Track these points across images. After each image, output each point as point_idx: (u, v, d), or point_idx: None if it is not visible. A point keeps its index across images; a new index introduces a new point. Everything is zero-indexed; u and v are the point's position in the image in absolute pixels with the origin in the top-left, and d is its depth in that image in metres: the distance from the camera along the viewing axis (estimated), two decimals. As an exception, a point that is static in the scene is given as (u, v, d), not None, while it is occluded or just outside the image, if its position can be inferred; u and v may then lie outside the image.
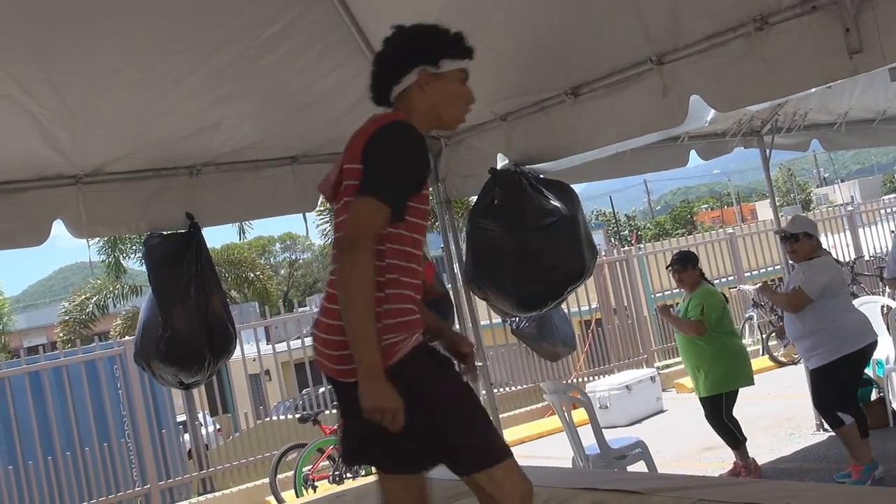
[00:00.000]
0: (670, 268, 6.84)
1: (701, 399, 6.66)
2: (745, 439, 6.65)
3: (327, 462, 9.10)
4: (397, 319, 2.68)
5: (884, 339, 7.76)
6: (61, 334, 27.43)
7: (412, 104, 2.87)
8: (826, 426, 7.45)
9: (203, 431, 12.28)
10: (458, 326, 6.74)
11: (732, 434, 6.57)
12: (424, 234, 2.86)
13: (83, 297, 28.82)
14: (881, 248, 15.87)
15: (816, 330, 5.76)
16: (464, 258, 5.66)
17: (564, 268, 5.21)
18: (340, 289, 2.59)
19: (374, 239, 2.60)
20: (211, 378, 5.84)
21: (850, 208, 17.60)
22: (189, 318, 5.28)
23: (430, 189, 2.82)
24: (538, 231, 5.11)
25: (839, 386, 5.91)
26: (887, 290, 11.26)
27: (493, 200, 5.28)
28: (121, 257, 25.71)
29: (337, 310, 2.65)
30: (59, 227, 5.11)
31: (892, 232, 14.59)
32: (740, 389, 6.61)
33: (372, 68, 2.98)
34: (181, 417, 12.20)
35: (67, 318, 28.54)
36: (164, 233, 5.48)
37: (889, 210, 16.90)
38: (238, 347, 10.62)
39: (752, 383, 6.73)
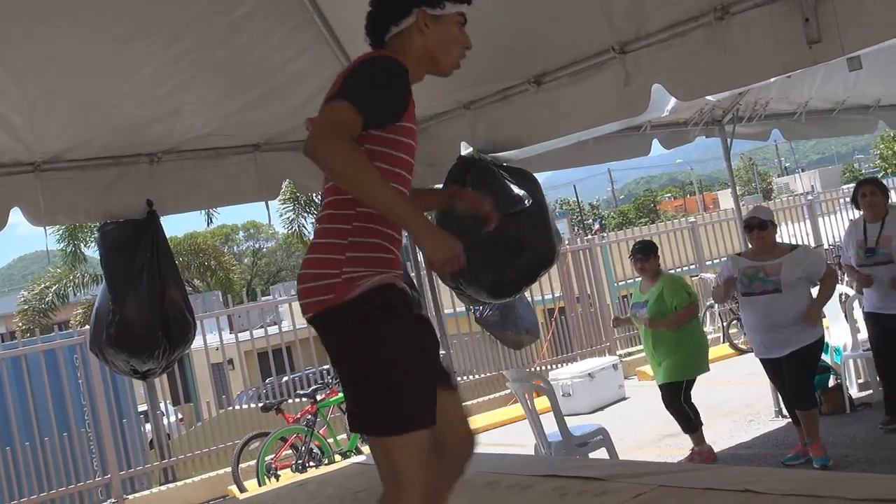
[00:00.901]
0: (633, 256, 6.87)
1: (660, 385, 6.72)
2: (702, 424, 6.72)
3: (290, 451, 9.07)
4: (362, 254, 2.64)
5: (841, 326, 7.88)
6: (20, 324, 27.10)
7: (408, 46, 2.80)
8: (784, 412, 7.57)
9: (165, 421, 12.18)
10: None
11: (689, 419, 6.64)
12: (409, 165, 2.76)
13: (42, 285, 28.48)
14: (840, 238, 16.05)
15: (801, 318, 5.87)
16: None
17: (539, 252, 5.31)
18: (344, 182, 2.53)
19: (345, 135, 2.48)
20: (169, 368, 5.76)
21: (810, 198, 17.79)
22: (141, 304, 5.22)
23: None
24: (512, 216, 5.16)
25: (816, 366, 6.20)
26: (845, 278, 11.44)
27: (466, 186, 5.27)
28: (81, 245, 25.46)
29: (317, 245, 2.69)
30: (16, 215, 5.05)
31: (850, 221, 14.76)
32: (700, 376, 6.69)
33: (370, 8, 2.88)
34: (142, 407, 12.08)
35: (27, 307, 28.20)
36: (121, 220, 5.42)
37: (848, 199, 17.08)
38: (200, 336, 10.60)
39: (708, 370, 6.83)
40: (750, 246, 6.24)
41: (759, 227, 6.02)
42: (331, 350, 2.72)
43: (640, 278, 7.04)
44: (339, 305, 2.60)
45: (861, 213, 6.54)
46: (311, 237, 2.81)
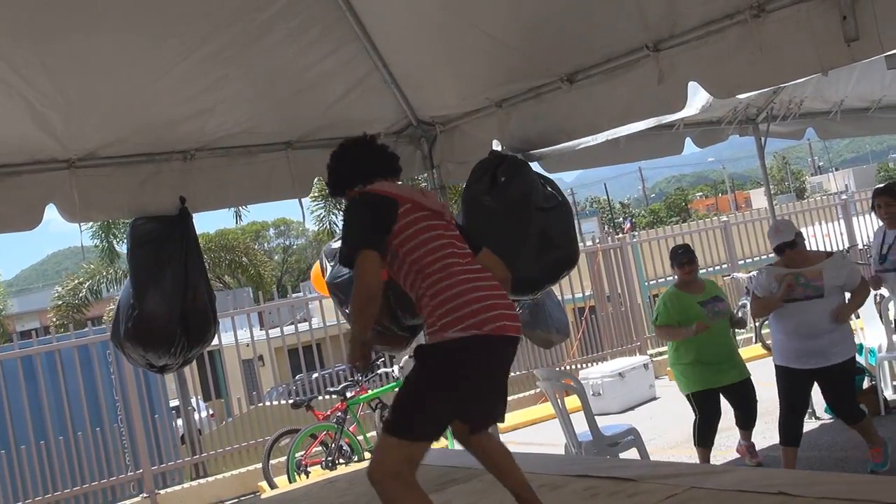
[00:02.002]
0: (684, 260, 6.55)
1: (742, 381, 6.57)
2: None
3: (320, 448, 9.09)
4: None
5: (876, 327, 7.78)
6: (54, 319, 27.35)
7: None
8: (819, 414, 7.49)
9: (196, 416, 12.26)
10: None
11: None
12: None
13: (76, 281, 28.70)
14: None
15: (840, 328, 5.74)
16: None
17: (565, 249, 5.33)
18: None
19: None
20: (187, 364, 5.76)
21: (844, 197, 17.60)
22: (161, 299, 5.23)
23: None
24: (545, 212, 5.16)
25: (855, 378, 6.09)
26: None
27: (498, 179, 5.25)
28: (115, 242, 25.62)
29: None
30: (51, 212, 5.10)
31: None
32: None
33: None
34: (174, 402, 12.18)
35: (60, 302, 28.44)
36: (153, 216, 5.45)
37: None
38: (231, 332, 10.65)
39: None
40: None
41: (789, 247, 5.85)
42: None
43: (671, 277, 6.94)
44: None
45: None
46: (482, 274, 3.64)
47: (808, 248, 6.15)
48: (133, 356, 5.46)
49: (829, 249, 7.42)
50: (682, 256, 6.60)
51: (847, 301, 5.85)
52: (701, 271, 6.93)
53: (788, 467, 5.89)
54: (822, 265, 5.76)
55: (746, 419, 6.69)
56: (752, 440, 6.80)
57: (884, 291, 8.17)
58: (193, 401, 12.17)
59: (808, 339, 5.77)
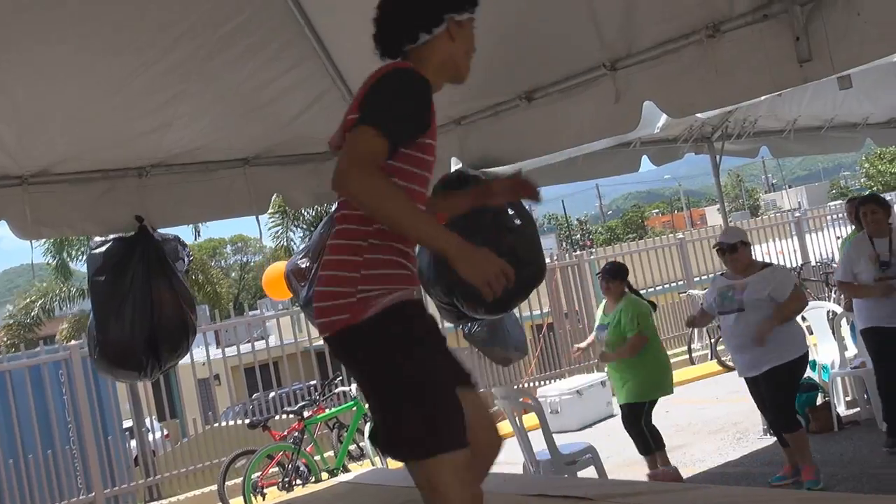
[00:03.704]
0: (600, 276, 6.92)
1: (621, 405, 6.69)
2: (664, 447, 6.66)
3: (276, 469, 9.00)
4: (378, 271, 2.59)
5: (829, 344, 7.88)
6: (5, 338, 26.91)
7: (432, 55, 2.74)
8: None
9: (150, 437, 12.09)
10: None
11: (647, 442, 6.60)
12: (427, 180, 2.74)
13: (28, 300, 28.29)
14: (827, 254, 16.12)
15: (771, 339, 5.83)
16: (419, 263, 5.57)
17: (535, 265, 5.35)
18: (378, 216, 2.50)
19: (374, 166, 2.45)
20: (165, 372, 5.75)
21: (797, 214, 17.86)
22: (124, 327, 5.23)
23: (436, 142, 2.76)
24: (512, 231, 5.19)
25: (795, 387, 6.10)
26: (832, 295, 11.45)
27: None
28: (68, 259, 25.30)
29: (331, 262, 2.63)
30: (3, 228, 5.01)
31: (838, 238, 14.83)
32: (687, 394, 6.68)
33: (384, 16, 2.78)
34: (128, 423, 12.00)
35: (12, 321, 28.01)
36: (111, 237, 5.38)
37: (835, 216, 17.18)
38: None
39: (672, 392, 6.81)
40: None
41: (729, 250, 6.01)
42: (354, 371, 2.71)
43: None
44: (356, 325, 2.55)
45: (855, 228, 6.57)
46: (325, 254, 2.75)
47: (754, 259, 6.22)
48: (108, 377, 5.53)
49: (777, 263, 7.53)
50: (600, 273, 6.98)
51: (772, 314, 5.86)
52: (657, 288, 7.01)
53: (792, 454, 6.03)
54: (749, 278, 5.89)
55: (638, 445, 6.73)
56: (672, 464, 6.72)
57: (836, 307, 8.30)
58: (147, 421, 12.00)
59: (738, 352, 6.05)
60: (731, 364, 11.88)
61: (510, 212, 5.34)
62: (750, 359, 5.90)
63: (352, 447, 9.45)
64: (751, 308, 5.81)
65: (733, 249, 6.00)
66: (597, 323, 7.05)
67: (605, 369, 6.87)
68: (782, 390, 5.90)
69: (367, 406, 2.93)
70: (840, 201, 21.47)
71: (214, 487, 9.23)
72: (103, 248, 5.38)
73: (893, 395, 6.41)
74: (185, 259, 5.70)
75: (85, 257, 5.51)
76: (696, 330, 13.49)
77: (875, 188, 42.58)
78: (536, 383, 12.35)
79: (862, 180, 55.17)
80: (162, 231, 5.59)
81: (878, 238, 6.30)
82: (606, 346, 6.71)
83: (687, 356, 13.11)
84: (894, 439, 6.40)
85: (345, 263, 2.61)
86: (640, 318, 6.60)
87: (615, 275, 6.82)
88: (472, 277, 2.44)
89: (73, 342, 10.55)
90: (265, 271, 9.20)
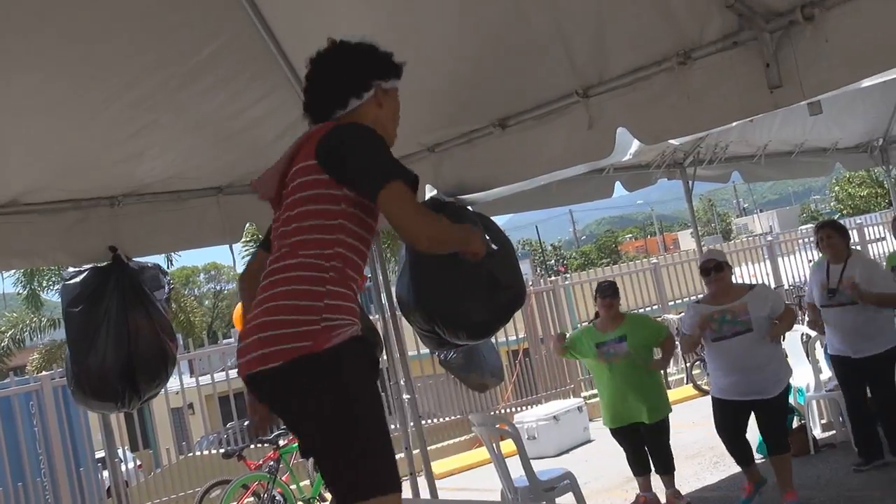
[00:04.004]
0: (604, 296, 6.75)
1: (648, 425, 6.55)
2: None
3: (252, 499, 8.90)
4: (340, 302, 2.63)
5: (804, 367, 7.92)
6: (-26, 369, 26.55)
7: (362, 120, 2.86)
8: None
9: (123, 468, 11.92)
10: (385, 357, 6.69)
11: (671, 457, 6.63)
12: (372, 233, 2.84)
13: (-2, 330, 27.96)
14: (799, 278, 16.25)
15: (775, 358, 5.87)
16: (398, 289, 5.57)
17: (514, 289, 5.38)
18: (447, 248, 2.78)
19: (426, 210, 2.74)
20: (147, 402, 5.71)
21: (769, 238, 18.00)
22: (99, 359, 5.19)
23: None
24: (490, 255, 5.19)
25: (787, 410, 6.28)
26: (806, 318, 11.52)
27: None
28: (38, 289, 25.05)
29: (289, 292, 2.62)
30: (-29, 259, 4.94)
31: (810, 261, 14.96)
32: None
33: (315, 84, 2.96)
34: (100, 454, 11.81)
35: (-19, 352, 27.66)
36: (84, 267, 5.35)
37: (806, 240, 17.33)
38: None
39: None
40: (707, 290, 6.23)
41: (715, 269, 6.06)
42: (297, 401, 2.61)
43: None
44: (316, 354, 2.53)
45: (822, 254, 6.65)
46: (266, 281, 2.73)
47: (733, 282, 6.28)
48: (86, 409, 5.50)
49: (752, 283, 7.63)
50: (597, 291, 6.89)
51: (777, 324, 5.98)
52: (632, 312, 7.02)
53: (752, 482, 6.14)
54: (746, 298, 5.91)
55: (657, 464, 6.69)
56: (678, 486, 6.74)
57: (810, 331, 8.36)
58: (120, 452, 11.82)
59: (745, 373, 5.90)
60: (706, 388, 11.92)
61: (488, 237, 5.36)
62: (758, 381, 5.85)
63: (327, 476, 9.35)
64: (757, 327, 5.82)
65: (720, 269, 6.04)
66: (591, 343, 6.75)
67: (609, 395, 6.70)
68: (784, 413, 6.06)
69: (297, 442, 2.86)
70: (810, 225, 21.67)
71: (189, 519, 9.13)
72: (78, 279, 5.36)
73: (859, 420, 6.53)
74: (167, 287, 5.65)
75: (56, 287, 5.46)
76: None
77: (845, 211, 43.04)
78: (513, 409, 12.33)
79: (832, 204, 55.72)
80: (138, 259, 5.55)
81: (835, 264, 6.40)
82: (626, 359, 6.56)
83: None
84: (862, 459, 6.55)
85: (306, 293, 2.61)
86: (658, 327, 6.90)
87: (616, 293, 6.84)
88: (479, 249, 2.82)
89: (43, 373, 10.44)
90: (235, 306, 9.14)
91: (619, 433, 6.79)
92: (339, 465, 2.57)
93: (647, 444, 6.66)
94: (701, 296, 6.46)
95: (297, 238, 2.71)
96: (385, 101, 2.94)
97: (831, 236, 6.44)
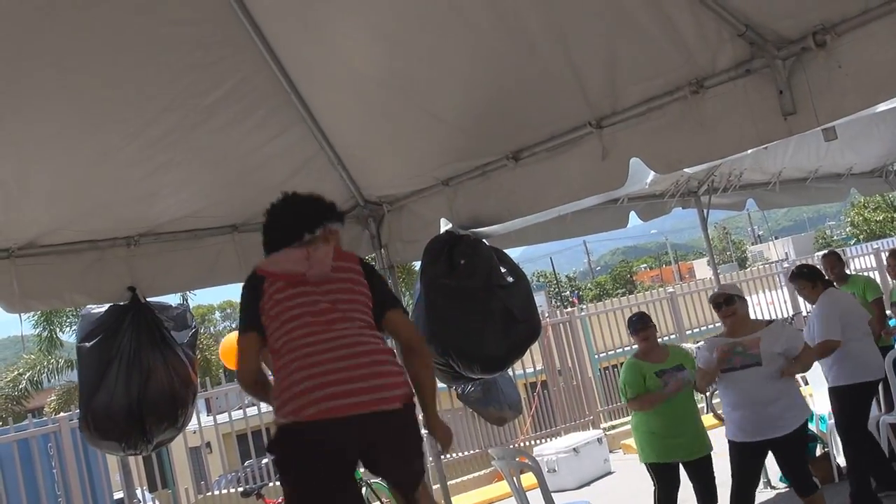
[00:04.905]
0: (645, 327, 6.39)
1: (700, 459, 6.28)
2: None
3: (272, 537, 8.85)
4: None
5: (826, 394, 7.83)
6: (-7, 412, 26.59)
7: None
8: (773, 483, 7.49)
9: (142, 509, 11.90)
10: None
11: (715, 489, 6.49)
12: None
13: (16, 372, 28.01)
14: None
15: (786, 395, 5.74)
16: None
17: (529, 323, 5.36)
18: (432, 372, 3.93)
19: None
20: (158, 448, 5.66)
21: (786, 265, 17.91)
22: (110, 397, 5.14)
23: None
24: (505, 288, 5.21)
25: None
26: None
27: (457, 261, 5.28)
28: (56, 330, 25.13)
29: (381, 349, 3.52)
30: (-10, 301, 4.95)
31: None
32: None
33: (277, 221, 3.91)
34: (118, 495, 11.81)
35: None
36: (102, 306, 5.35)
37: (823, 267, 17.21)
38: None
39: None
40: (723, 324, 6.08)
41: (726, 302, 5.85)
42: (413, 440, 3.62)
43: (620, 349, 6.91)
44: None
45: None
46: (360, 338, 3.49)
47: (750, 317, 6.16)
48: (95, 448, 5.50)
49: (770, 318, 7.55)
50: (637, 323, 6.47)
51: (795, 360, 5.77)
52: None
53: None
54: (760, 333, 5.78)
55: (704, 498, 6.51)
56: None
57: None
58: (139, 492, 11.82)
59: (754, 408, 5.70)
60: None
61: (502, 269, 5.36)
62: (769, 417, 5.64)
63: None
64: (767, 362, 5.69)
65: (730, 301, 5.88)
66: (649, 373, 6.27)
67: (662, 427, 6.38)
68: (804, 450, 5.89)
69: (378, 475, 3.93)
70: (826, 251, 21.57)
71: (208, 559, 9.07)
72: (95, 313, 5.36)
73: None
74: (192, 328, 5.67)
75: (73, 327, 5.49)
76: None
77: (861, 237, 42.84)
78: (532, 442, 12.24)
79: (847, 229, 55.50)
80: (159, 299, 5.56)
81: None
82: (687, 388, 6.27)
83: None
84: (879, 486, 6.57)
85: (390, 351, 3.58)
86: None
87: (650, 320, 6.56)
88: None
89: (61, 414, 10.44)
90: (222, 341, 9.14)
91: (664, 469, 6.36)
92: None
93: (696, 478, 6.39)
94: (720, 329, 6.29)
95: (362, 316, 3.70)
96: (331, 238, 3.85)
97: (835, 266, 6.49)
